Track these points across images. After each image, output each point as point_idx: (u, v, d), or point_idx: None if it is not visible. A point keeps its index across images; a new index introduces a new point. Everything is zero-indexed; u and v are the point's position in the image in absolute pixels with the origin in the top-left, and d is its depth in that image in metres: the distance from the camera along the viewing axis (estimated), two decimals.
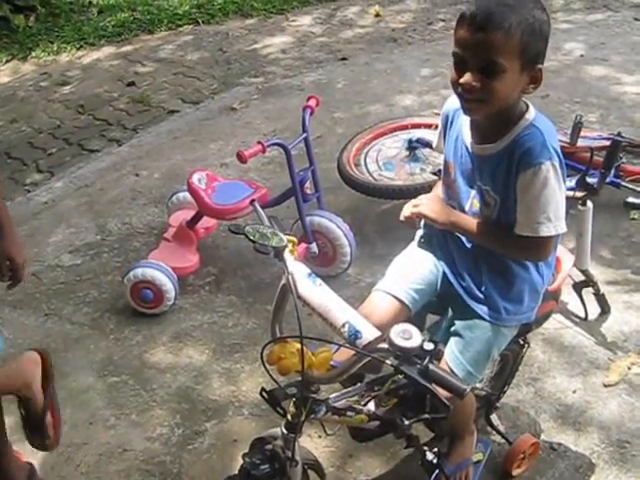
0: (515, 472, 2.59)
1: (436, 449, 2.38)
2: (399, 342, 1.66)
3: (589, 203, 3.10)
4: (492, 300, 2.19)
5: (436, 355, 1.67)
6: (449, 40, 1.97)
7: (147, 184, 4.73)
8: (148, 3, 8.07)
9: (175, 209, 3.96)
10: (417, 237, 2.39)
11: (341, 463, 2.73)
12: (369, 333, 1.79)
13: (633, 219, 3.87)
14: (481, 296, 2.20)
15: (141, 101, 6.03)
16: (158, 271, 3.49)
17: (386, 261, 2.42)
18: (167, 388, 3.16)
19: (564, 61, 5.79)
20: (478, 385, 2.43)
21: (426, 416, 2.07)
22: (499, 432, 2.69)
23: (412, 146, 4.07)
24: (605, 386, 2.96)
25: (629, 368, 3.03)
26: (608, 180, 3.41)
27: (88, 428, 3.01)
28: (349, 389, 2.12)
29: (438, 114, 2.54)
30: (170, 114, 5.79)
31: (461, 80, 1.91)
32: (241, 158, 3.23)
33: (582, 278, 3.21)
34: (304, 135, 3.48)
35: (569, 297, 3.26)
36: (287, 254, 1.95)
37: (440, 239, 2.29)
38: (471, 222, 2.14)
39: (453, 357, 2.20)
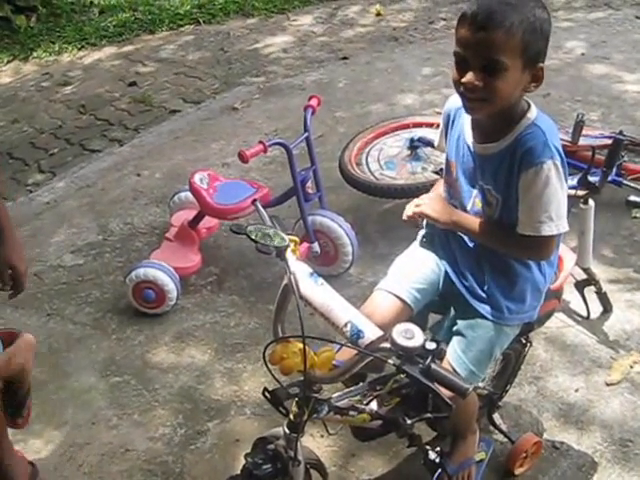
0: (518, 471, 2.60)
1: (438, 448, 2.37)
2: (401, 341, 1.66)
3: (591, 202, 3.09)
4: (494, 299, 2.19)
5: (438, 354, 1.67)
6: (450, 39, 1.97)
7: (149, 184, 4.73)
8: (149, 3, 8.06)
9: (177, 209, 3.96)
10: (419, 237, 2.39)
11: (343, 462, 2.73)
12: (371, 332, 1.79)
13: (635, 217, 3.87)
14: (483, 295, 2.20)
15: (142, 101, 6.03)
16: (160, 271, 3.49)
17: (388, 260, 2.42)
18: (169, 388, 3.16)
19: (565, 59, 5.78)
20: (480, 384, 2.43)
21: (428, 415, 2.07)
22: (501, 431, 2.69)
23: (413, 145, 4.07)
24: (607, 385, 2.96)
25: (631, 367, 3.03)
26: (610, 179, 3.41)
27: (90, 428, 3.01)
28: (351, 388, 2.12)
29: (439, 113, 2.54)
30: (171, 114, 5.79)
31: (463, 79, 1.91)
32: (243, 158, 3.23)
33: (584, 277, 3.21)
34: (305, 134, 3.48)
35: (571, 296, 3.26)
36: (289, 254, 1.95)
37: (442, 238, 2.29)
38: (473, 221, 2.14)
39: (455, 356, 2.20)
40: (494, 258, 2.17)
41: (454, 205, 2.23)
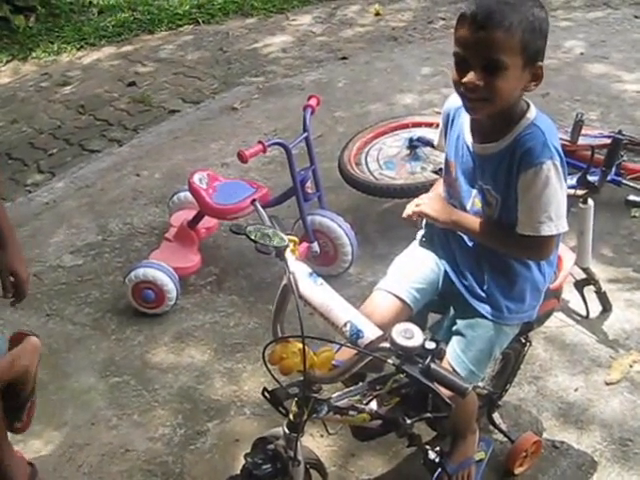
0: (517, 470, 2.60)
1: (438, 448, 2.38)
2: (401, 341, 1.66)
3: (590, 201, 3.10)
4: (494, 299, 2.19)
5: (438, 354, 1.67)
6: (449, 39, 1.97)
7: (148, 184, 4.73)
8: (148, 3, 8.07)
9: (176, 209, 3.96)
10: (418, 236, 2.39)
11: (343, 462, 2.73)
12: (371, 332, 1.79)
13: (634, 217, 3.87)
14: (483, 295, 2.20)
15: (142, 101, 6.03)
16: (159, 271, 3.49)
17: (387, 260, 2.42)
18: (169, 388, 3.16)
19: (564, 59, 5.79)
20: (480, 384, 2.43)
21: (428, 415, 2.07)
22: (501, 431, 2.69)
23: (413, 145, 4.07)
24: (607, 384, 2.96)
25: (631, 366, 3.03)
26: (609, 178, 3.41)
27: (90, 429, 3.01)
28: (351, 388, 2.12)
29: (439, 113, 2.54)
30: (171, 114, 5.79)
31: (464, 79, 1.91)
32: (242, 158, 3.23)
33: (583, 276, 3.21)
34: (305, 134, 3.48)
35: (570, 295, 3.26)
36: (288, 254, 1.95)
37: (442, 238, 2.29)
38: (473, 221, 2.15)
39: (455, 356, 2.20)
40: (494, 258, 2.17)
41: (453, 205, 2.23)
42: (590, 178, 3.15)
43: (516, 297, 2.20)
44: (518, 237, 2.05)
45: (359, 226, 3.86)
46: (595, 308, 3.28)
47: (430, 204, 2.23)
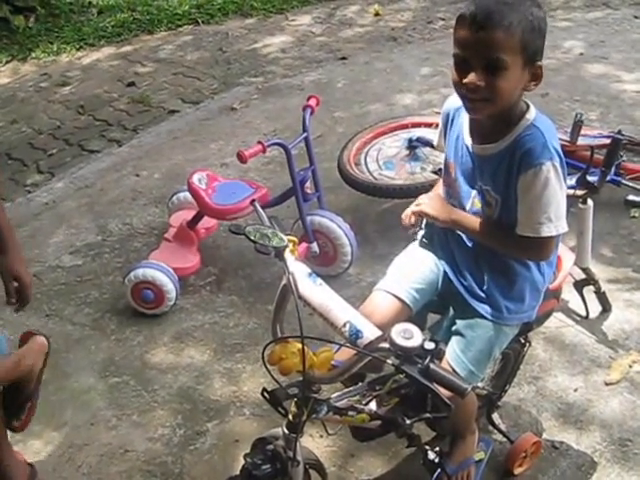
0: (517, 471, 2.60)
1: (438, 448, 2.38)
2: (400, 341, 1.66)
3: (590, 201, 3.10)
4: (493, 299, 2.19)
5: (437, 354, 1.67)
6: (449, 39, 1.97)
7: (147, 184, 4.73)
8: (148, 3, 8.07)
9: (175, 209, 3.96)
10: (418, 237, 2.39)
11: (343, 463, 2.73)
12: (370, 333, 1.79)
13: (634, 217, 3.87)
14: (482, 295, 2.20)
15: (141, 101, 6.03)
16: (159, 271, 3.49)
17: (387, 260, 2.42)
18: (168, 388, 3.16)
19: (564, 59, 5.79)
20: (479, 384, 2.43)
21: (427, 415, 2.07)
22: (501, 431, 2.69)
23: (412, 145, 4.07)
24: (606, 384, 2.96)
25: (630, 366, 3.03)
26: (608, 178, 3.41)
27: (89, 429, 3.01)
28: (350, 389, 2.12)
29: (438, 113, 2.54)
30: (170, 114, 5.79)
31: (465, 80, 1.91)
32: (241, 158, 3.23)
33: (583, 276, 3.21)
34: (304, 135, 3.48)
35: (570, 295, 3.26)
36: (288, 254, 1.95)
37: (441, 238, 2.29)
38: (473, 220, 2.15)
39: (455, 356, 2.20)
40: (493, 258, 2.17)
41: (453, 205, 2.23)
42: (589, 178, 3.15)
43: (515, 297, 2.20)
44: (518, 238, 2.05)
45: (358, 226, 3.86)
46: (595, 308, 3.28)
47: (430, 203, 2.24)
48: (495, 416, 2.69)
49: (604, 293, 3.27)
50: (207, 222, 3.78)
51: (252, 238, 1.92)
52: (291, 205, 3.58)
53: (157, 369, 3.27)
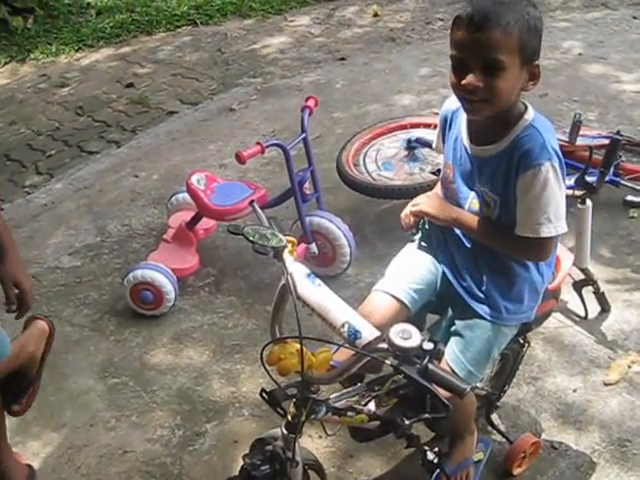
0: (516, 471, 2.60)
1: (437, 449, 2.38)
2: (398, 342, 1.66)
3: (588, 202, 3.10)
4: (492, 299, 2.19)
5: (436, 355, 1.67)
6: (447, 39, 1.97)
7: (146, 185, 4.73)
8: (146, 4, 8.06)
9: (174, 210, 3.95)
10: (416, 239, 2.39)
11: (342, 463, 2.73)
12: (369, 333, 1.79)
13: (632, 217, 3.87)
14: (481, 295, 2.20)
15: (140, 102, 6.03)
16: (158, 272, 3.49)
17: (385, 261, 2.42)
18: (167, 389, 3.16)
19: (562, 60, 5.78)
20: (478, 384, 2.43)
21: (426, 416, 2.06)
22: (500, 431, 2.69)
23: (411, 146, 4.07)
24: (605, 385, 2.96)
25: (629, 367, 3.03)
26: (607, 179, 3.41)
27: (88, 430, 3.01)
28: (349, 389, 2.12)
29: (437, 113, 2.54)
30: (169, 115, 5.79)
31: (463, 82, 1.91)
32: (240, 159, 3.23)
33: (582, 277, 3.21)
34: (303, 135, 3.48)
35: (569, 296, 3.26)
36: (286, 254, 1.95)
37: (440, 239, 2.29)
38: (473, 219, 2.14)
39: (454, 357, 2.20)
40: (492, 258, 2.17)
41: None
42: (588, 179, 3.15)
43: (514, 298, 2.20)
44: (517, 238, 2.05)
45: (357, 227, 3.86)
46: (594, 309, 3.28)
47: (429, 202, 2.24)
48: (494, 416, 2.70)
49: (603, 293, 3.27)
50: (206, 223, 3.79)
51: (251, 239, 1.92)
52: (290, 206, 3.58)
53: (156, 370, 3.27)
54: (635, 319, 3.26)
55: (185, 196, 3.81)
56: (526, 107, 2.04)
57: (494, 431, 2.70)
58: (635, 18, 6.57)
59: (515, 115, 2.02)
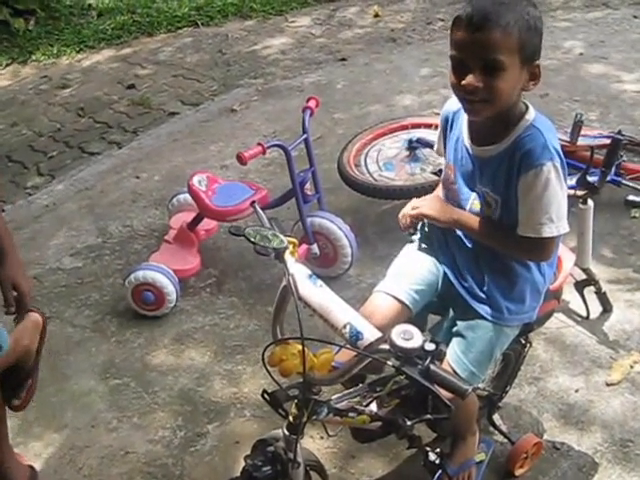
0: (518, 472, 2.59)
1: (438, 449, 2.37)
2: (400, 343, 1.65)
3: (590, 202, 3.10)
4: (494, 300, 2.19)
5: (438, 355, 1.67)
6: (448, 40, 1.97)
7: (147, 186, 4.73)
8: (147, 6, 8.06)
9: (176, 211, 3.95)
10: (416, 240, 2.38)
11: (343, 464, 2.73)
12: (370, 334, 1.79)
13: (634, 217, 3.87)
14: (483, 296, 2.20)
15: (141, 103, 6.03)
16: (159, 273, 3.49)
17: (387, 262, 2.42)
18: (169, 390, 3.16)
19: (563, 59, 5.78)
20: (480, 385, 2.43)
21: (428, 417, 2.06)
22: (501, 432, 2.69)
23: (412, 146, 4.07)
24: (607, 385, 2.96)
25: (631, 367, 3.02)
26: (609, 178, 3.41)
27: (90, 431, 3.01)
28: (351, 390, 2.11)
29: (438, 114, 2.54)
30: (170, 116, 5.79)
31: (463, 82, 1.91)
32: (241, 160, 3.23)
33: (583, 277, 3.20)
34: (304, 136, 3.48)
35: (571, 296, 3.26)
36: (288, 255, 1.95)
37: (441, 240, 2.29)
38: (474, 220, 2.14)
39: (456, 357, 2.20)
40: (493, 259, 2.17)
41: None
42: (590, 179, 3.15)
43: (516, 298, 2.20)
44: (519, 238, 2.05)
45: (358, 228, 3.86)
46: (595, 309, 3.28)
47: (429, 205, 2.24)
48: (496, 417, 2.69)
49: (605, 293, 3.26)
50: (207, 224, 3.78)
51: (252, 240, 1.92)
52: (291, 206, 3.58)
53: (157, 371, 3.27)
54: (637, 319, 3.25)
55: (186, 197, 3.81)
56: (527, 107, 2.04)
57: (496, 432, 2.70)
58: (636, 17, 6.56)
59: (516, 115, 2.02)
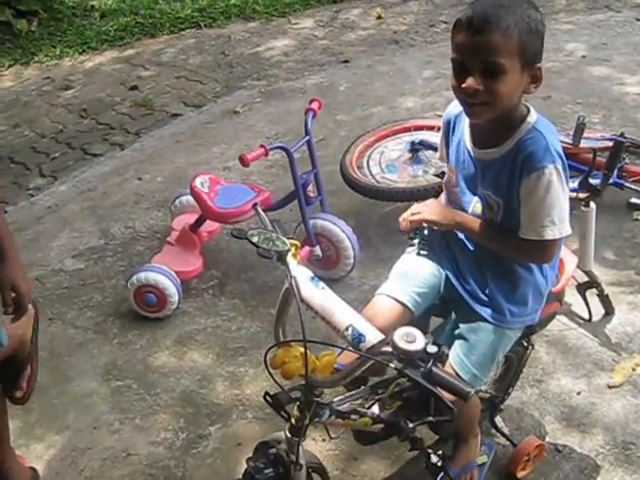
0: (520, 474, 2.59)
1: (441, 452, 2.38)
2: (402, 345, 1.65)
3: (592, 204, 3.09)
4: (496, 303, 2.19)
5: (440, 358, 1.67)
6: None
7: (150, 188, 4.73)
8: (150, 7, 8.06)
9: (178, 213, 3.95)
10: (415, 245, 2.38)
11: (345, 466, 2.73)
12: (372, 336, 1.79)
13: (636, 220, 3.87)
14: (485, 299, 2.20)
15: (144, 105, 6.03)
16: (161, 275, 3.49)
17: (389, 264, 2.42)
18: (171, 392, 3.16)
19: (566, 62, 5.78)
20: (482, 387, 2.43)
21: (430, 419, 2.06)
22: (503, 434, 2.68)
23: (415, 148, 4.07)
24: (610, 387, 2.96)
25: (634, 369, 3.02)
26: (611, 181, 3.42)
27: (92, 433, 3.01)
28: (353, 392, 2.11)
29: (441, 116, 2.54)
30: (173, 118, 5.80)
31: (464, 85, 1.91)
32: (244, 161, 3.23)
33: (586, 279, 3.20)
34: (307, 138, 3.48)
35: (573, 298, 3.26)
36: (290, 258, 1.95)
37: (442, 243, 2.29)
38: (476, 222, 2.15)
39: (458, 360, 2.20)
40: (496, 261, 2.17)
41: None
42: (592, 181, 3.15)
43: (518, 300, 2.20)
44: (521, 241, 2.05)
45: (361, 230, 3.86)
46: (598, 311, 3.28)
47: (429, 209, 2.23)
48: (498, 419, 2.69)
49: (607, 296, 3.26)
50: (210, 225, 3.78)
51: (254, 242, 1.92)
52: (294, 208, 3.58)
53: (160, 373, 3.27)
54: (639, 322, 3.25)
55: (189, 199, 3.81)
56: (528, 110, 2.04)
57: (498, 434, 2.70)
58: (639, 20, 6.57)
59: (518, 118, 2.02)
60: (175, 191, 4.29)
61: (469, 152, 2.13)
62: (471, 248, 2.21)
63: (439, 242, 2.30)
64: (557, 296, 2.37)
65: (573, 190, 3.02)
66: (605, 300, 3.27)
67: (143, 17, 7.87)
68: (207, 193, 3.58)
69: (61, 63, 7.20)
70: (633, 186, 3.65)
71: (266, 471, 1.98)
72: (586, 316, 3.26)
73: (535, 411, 2.88)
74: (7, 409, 2.47)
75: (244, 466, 2.03)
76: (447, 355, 1.78)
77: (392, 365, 1.67)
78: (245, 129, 5.36)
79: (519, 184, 1.99)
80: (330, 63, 6.48)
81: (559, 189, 1.97)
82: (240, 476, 2.07)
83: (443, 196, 2.32)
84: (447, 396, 1.65)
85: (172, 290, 3.49)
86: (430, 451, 2.36)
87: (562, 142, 2.08)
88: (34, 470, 2.68)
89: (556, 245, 2.07)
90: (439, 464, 2.33)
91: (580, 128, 3.66)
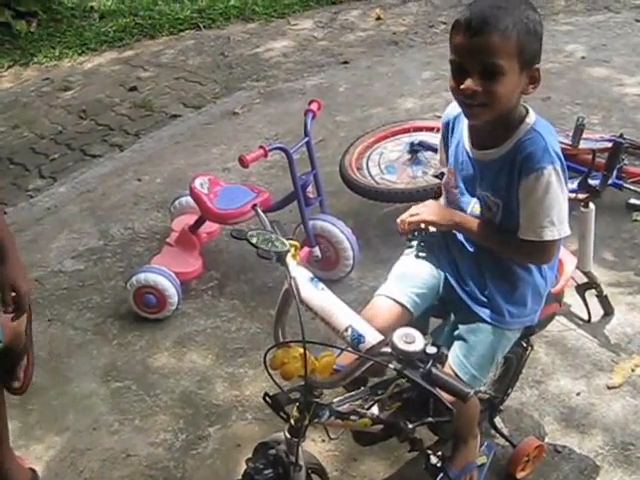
0: (519, 475, 2.59)
1: (440, 453, 2.37)
2: (402, 346, 1.66)
3: (591, 205, 3.09)
4: (495, 303, 2.19)
5: (439, 359, 1.67)
6: None
7: (149, 189, 4.73)
8: (149, 8, 8.06)
9: (178, 214, 3.95)
10: (414, 246, 2.38)
11: (345, 467, 2.73)
12: (372, 337, 1.79)
13: (635, 221, 3.87)
14: (484, 300, 2.20)
15: (143, 106, 6.03)
16: (161, 276, 3.49)
17: (388, 265, 2.42)
18: (170, 393, 3.16)
19: (565, 63, 5.78)
20: (482, 388, 2.43)
21: (430, 420, 2.06)
22: (503, 435, 2.69)
23: (414, 149, 4.07)
24: (609, 388, 2.95)
25: (633, 370, 3.02)
26: (610, 182, 3.42)
27: (91, 434, 3.01)
28: (352, 393, 2.11)
29: (440, 117, 2.54)
30: (172, 119, 5.79)
31: (462, 86, 1.91)
32: (243, 162, 3.23)
33: (585, 280, 3.20)
34: (306, 139, 3.48)
35: (572, 299, 3.26)
36: (289, 258, 1.95)
37: (441, 244, 2.29)
38: (474, 222, 2.15)
39: (457, 361, 2.20)
40: (495, 262, 2.17)
41: None
42: (591, 182, 3.15)
43: (517, 301, 2.20)
44: (520, 241, 2.05)
45: (360, 231, 3.86)
46: (597, 312, 3.28)
47: (428, 210, 2.23)
48: (497, 420, 2.69)
49: (606, 297, 3.26)
50: (209, 226, 3.78)
51: (254, 243, 1.92)
52: (293, 209, 3.58)
53: (159, 374, 3.27)
54: (638, 322, 3.25)
55: (188, 200, 3.81)
56: (527, 111, 2.04)
57: (497, 435, 2.70)
58: (638, 21, 6.57)
59: (516, 119, 2.02)
60: (174, 192, 4.29)
61: (468, 153, 2.13)
62: (470, 249, 2.21)
63: (438, 243, 2.30)
64: (556, 297, 2.37)
65: (572, 191, 3.03)
66: (604, 301, 3.27)
67: (142, 18, 7.87)
68: (206, 194, 3.58)
69: (60, 64, 7.20)
70: (632, 187, 3.66)
71: (265, 472, 1.97)
72: (585, 317, 3.26)
73: (534, 412, 2.88)
74: (5, 400, 2.46)
75: (243, 467, 2.03)
76: (446, 356, 1.78)
77: (391, 366, 1.68)
78: (244, 130, 5.36)
79: (518, 185, 2.00)
80: (329, 64, 6.48)
81: (558, 190, 1.97)
82: (240, 477, 2.07)
83: (442, 196, 2.32)
84: (446, 397, 1.65)
85: (171, 291, 3.49)
86: (430, 452, 2.35)
87: (561, 143, 2.08)
88: (33, 471, 2.68)
89: (555, 246, 2.08)
90: (438, 465, 2.33)
91: (579, 129, 3.67)
